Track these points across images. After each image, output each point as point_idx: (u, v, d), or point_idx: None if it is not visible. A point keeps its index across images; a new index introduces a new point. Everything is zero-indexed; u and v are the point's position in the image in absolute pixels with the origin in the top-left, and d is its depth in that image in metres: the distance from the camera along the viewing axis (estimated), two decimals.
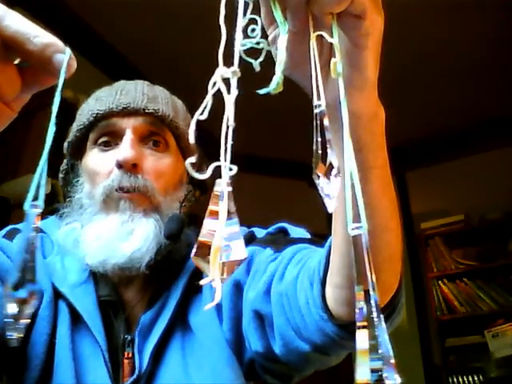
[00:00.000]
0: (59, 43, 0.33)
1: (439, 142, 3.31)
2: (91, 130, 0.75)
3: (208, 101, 0.27)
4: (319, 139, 0.28)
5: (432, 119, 3.12)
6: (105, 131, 0.74)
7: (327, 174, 0.28)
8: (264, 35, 0.35)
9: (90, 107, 0.75)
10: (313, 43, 0.32)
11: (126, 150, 0.71)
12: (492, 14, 2.35)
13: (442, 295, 3.12)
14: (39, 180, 0.30)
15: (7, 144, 1.85)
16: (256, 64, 0.32)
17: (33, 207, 0.30)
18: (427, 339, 3.10)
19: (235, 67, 0.28)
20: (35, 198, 0.30)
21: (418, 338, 3.09)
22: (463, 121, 3.13)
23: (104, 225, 0.69)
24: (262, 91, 0.30)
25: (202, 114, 0.27)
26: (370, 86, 0.41)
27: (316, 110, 0.29)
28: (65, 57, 0.33)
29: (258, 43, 0.32)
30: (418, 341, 3.08)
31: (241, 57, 0.30)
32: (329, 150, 0.28)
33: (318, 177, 0.28)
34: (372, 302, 0.24)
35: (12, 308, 0.29)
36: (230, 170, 0.27)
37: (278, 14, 0.33)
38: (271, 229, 0.78)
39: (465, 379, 2.96)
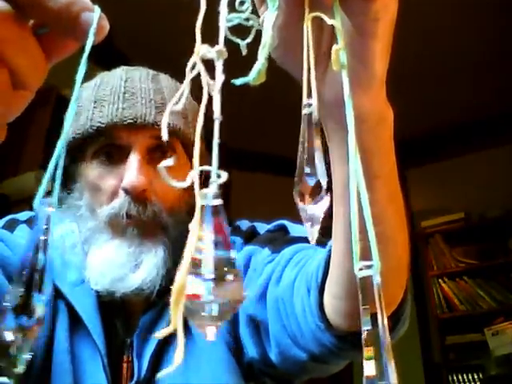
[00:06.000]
0: None
1: (439, 140, 3.31)
2: (90, 139, 0.68)
3: (185, 87, 0.21)
4: (306, 147, 0.22)
5: (433, 117, 3.11)
6: (107, 144, 0.68)
7: (313, 194, 0.21)
8: (255, 13, 0.28)
9: (88, 113, 0.67)
10: (307, 26, 0.25)
11: (133, 175, 0.64)
12: (496, 12, 2.34)
13: (442, 293, 3.12)
14: (52, 176, 0.24)
15: (7, 141, 1.84)
16: (243, 45, 0.25)
17: (44, 205, 0.23)
18: (427, 337, 3.10)
19: (221, 45, 0.21)
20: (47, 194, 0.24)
21: (418, 335, 3.08)
22: (464, 118, 3.12)
23: (110, 251, 0.65)
24: (238, 81, 0.24)
25: (177, 103, 0.21)
26: (377, 84, 0.34)
27: (304, 111, 0.22)
28: (94, 15, 0.27)
29: (247, 19, 0.25)
30: (417, 339, 3.07)
31: (226, 37, 0.23)
32: (317, 163, 0.21)
33: (302, 196, 0.21)
34: (381, 341, 0.21)
35: (10, 337, 0.22)
36: (219, 176, 0.19)
37: None
38: (271, 226, 0.75)
39: (465, 377, 2.95)
